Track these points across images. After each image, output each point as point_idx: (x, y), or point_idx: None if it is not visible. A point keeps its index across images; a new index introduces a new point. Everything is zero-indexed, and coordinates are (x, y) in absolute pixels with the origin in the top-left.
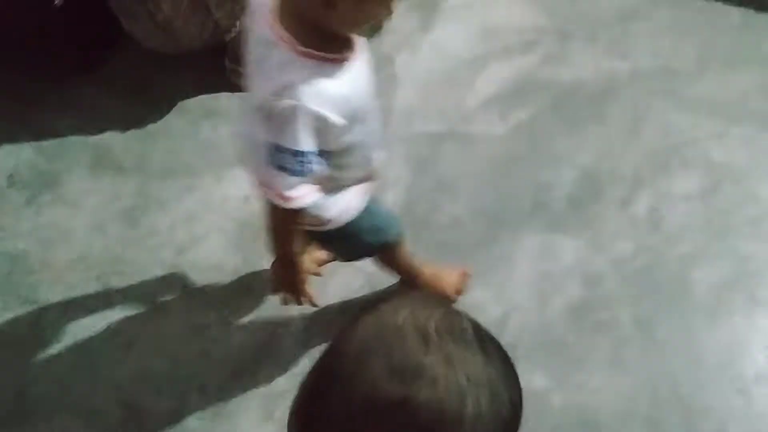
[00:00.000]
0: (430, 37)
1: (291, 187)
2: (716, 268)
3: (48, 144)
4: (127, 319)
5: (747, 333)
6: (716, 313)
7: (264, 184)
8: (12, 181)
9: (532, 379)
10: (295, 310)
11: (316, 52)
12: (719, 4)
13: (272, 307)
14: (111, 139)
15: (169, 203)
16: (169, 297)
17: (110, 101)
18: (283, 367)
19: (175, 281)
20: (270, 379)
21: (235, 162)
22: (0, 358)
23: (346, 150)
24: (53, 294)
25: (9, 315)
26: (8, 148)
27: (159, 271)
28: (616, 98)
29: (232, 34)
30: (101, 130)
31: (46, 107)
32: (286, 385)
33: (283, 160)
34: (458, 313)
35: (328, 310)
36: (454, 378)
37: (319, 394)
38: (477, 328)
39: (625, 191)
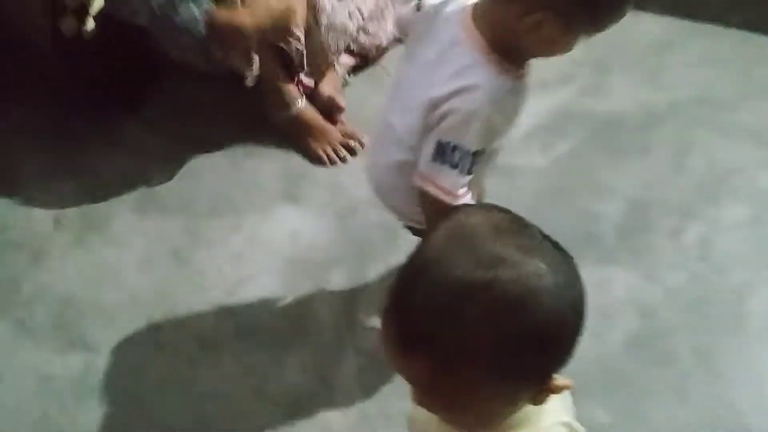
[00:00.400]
0: None
1: (461, 185)
2: None
3: (92, 185)
4: (180, 361)
5: None
6: None
7: (430, 180)
8: (58, 224)
9: (593, 416)
10: (348, 348)
11: (504, 61)
12: (755, 35)
13: (324, 344)
14: (155, 178)
15: (215, 243)
16: (221, 337)
17: (152, 140)
18: (337, 406)
19: (226, 321)
20: (325, 419)
21: (279, 200)
22: (54, 404)
23: (489, 156)
24: (104, 336)
25: (61, 359)
26: (53, 191)
27: (209, 311)
28: (657, 129)
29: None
30: (144, 170)
31: (89, 147)
32: (342, 424)
33: (457, 158)
34: (524, 218)
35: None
36: (531, 262)
37: (412, 286)
38: (541, 231)
39: (674, 221)
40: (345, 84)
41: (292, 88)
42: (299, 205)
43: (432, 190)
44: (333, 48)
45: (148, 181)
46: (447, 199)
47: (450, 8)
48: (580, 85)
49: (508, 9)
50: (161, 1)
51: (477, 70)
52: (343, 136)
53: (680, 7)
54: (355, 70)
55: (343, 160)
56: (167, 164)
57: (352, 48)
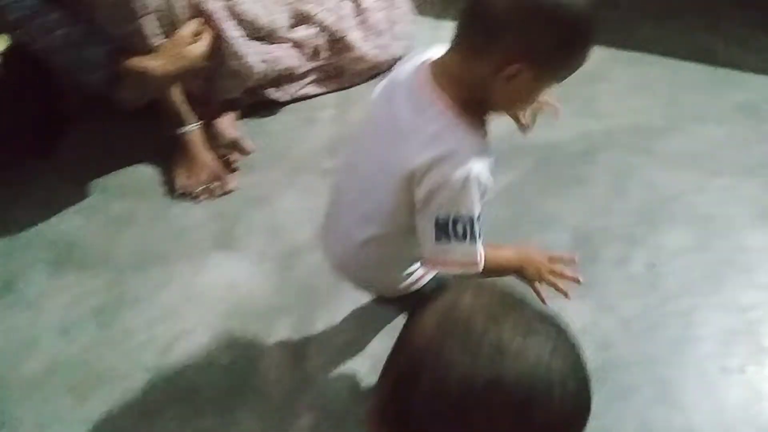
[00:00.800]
0: None
1: (477, 252)
2: (720, 319)
3: (2, 240)
4: None
5: (761, 381)
6: (728, 366)
7: (441, 262)
8: None
9: None
10: (301, 405)
11: (472, 120)
12: (678, 62)
13: (274, 403)
14: (72, 229)
15: (143, 299)
16: (160, 404)
17: (66, 188)
18: None
19: (163, 385)
20: None
21: (212, 247)
22: None
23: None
24: (23, 411)
25: None
26: None
27: (142, 376)
28: (595, 158)
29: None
30: (60, 220)
31: None
32: None
33: (461, 230)
34: (514, 293)
35: (337, 400)
36: (534, 347)
37: (410, 387)
38: (529, 300)
39: (620, 250)
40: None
41: (185, 109)
42: (234, 252)
43: (449, 269)
44: (230, 91)
45: (63, 233)
46: (468, 270)
47: (404, 75)
48: None
49: (480, 64)
50: (67, 40)
51: (452, 134)
52: (214, 175)
53: (607, 36)
54: (281, 105)
55: (196, 198)
56: (84, 214)
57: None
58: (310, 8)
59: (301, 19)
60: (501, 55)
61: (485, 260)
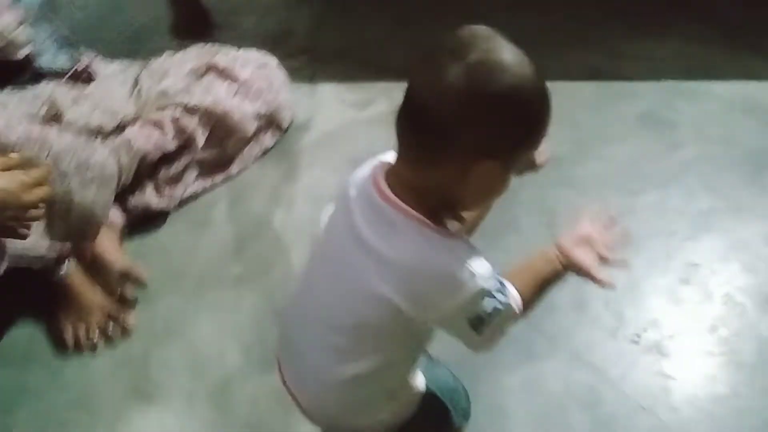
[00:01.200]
0: (299, 186)
1: (514, 303)
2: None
3: None
4: None
5: None
6: None
7: (493, 341)
8: None
9: None
10: None
11: (445, 224)
12: (569, 83)
13: None
14: None
15: None
16: None
17: None
18: None
19: None
20: None
21: (129, 400)
22: None
23: None
24: None
25: None
26: None
27: None
28: (519, 198)
29: None
30: None
31: None
32: None
33: (494, 303)
34: None
35: None
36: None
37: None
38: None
39: (573, 292)
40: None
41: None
42: (156, 400)
43: (502, 337)
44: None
45: None
46: (517, 319)
47: (357, 191)
48: None
49: (441, 172)
50: None
51: (435, 253)
52: (108, 316)
53: None
54: (163, 215)
55: (93, 348)
56: None
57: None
58: (181, 98)
59: (170, 106)
60: (462, 158)
61: (523, 297)
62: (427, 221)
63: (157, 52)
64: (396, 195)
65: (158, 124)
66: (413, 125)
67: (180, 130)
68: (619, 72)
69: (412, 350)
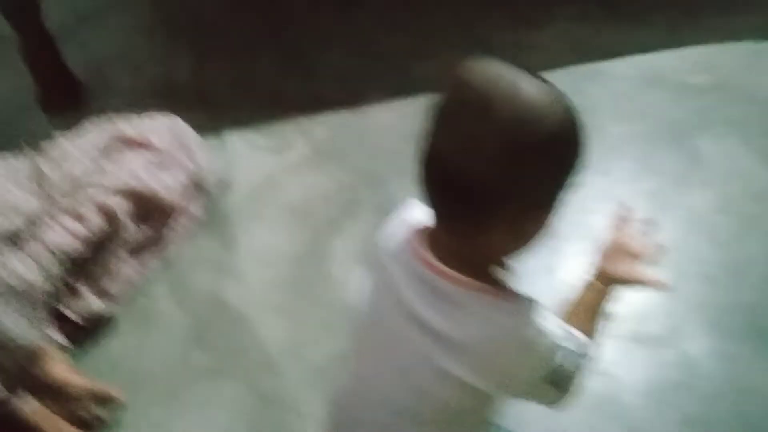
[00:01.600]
0: (242, 252)
1: (585, 346)
2: None
3: None
4: None
5: None
6: None
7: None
8: None
9: None
10: None
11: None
12: None
13: None
14: None
15: None
16: None
17: None
18: None
19: None
20: None
21: None
22: None
23: None
24: None
25: None
26: None
27: None
28: None
29: None
30: None
31: None
32: None
33: (568, 357)
34: None
35: None
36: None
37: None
38: None
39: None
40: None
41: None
42: None
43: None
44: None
45: None
46: (589, 362)
47: (395, 265)
48: (371, 208)
49: (488, 235)
50: None
51: (499, 316)
52: None
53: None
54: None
55: None
56: None
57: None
58: (96, 179)
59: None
60: (511, 218)
61: (586, 335)
62: (483, 286)
63: (40, 135)
64: (447, 264)
65: (76, 215)
66: (452, 196)
67: (105, 215)
68: (519, 64)
69: (481, 421)
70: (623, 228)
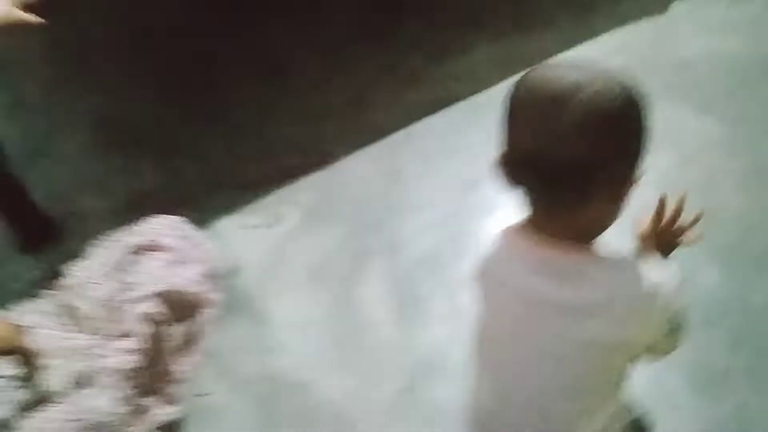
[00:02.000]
0: (276, 325)
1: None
2: None
3: None
4: None
5: None
6: None
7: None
8: None
9: None
10: None
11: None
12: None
13: None
14: None
15: None
16: None
17: None
18: None
19: None
20: None
21: None
22: None
23: None
24: None
25: None
26: None
27: None
28: None
29: None
30: None
31: None
32: None
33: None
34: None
35: None
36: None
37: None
38: None
39: None
40: None
41: None
42: None
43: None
44: None
45: None
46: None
47: (505, 268)
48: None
49: (595, 209)
50: None
51: (618, 276)
52: None
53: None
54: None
55: None
56: None
57: None
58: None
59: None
60: (610, 191)
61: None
62: (594, 253)
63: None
64: (560, 243)
65: (123, 334)
66: (552, 184)
67: (148, 323)
68: (461, 95)
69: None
70: (659, 220)
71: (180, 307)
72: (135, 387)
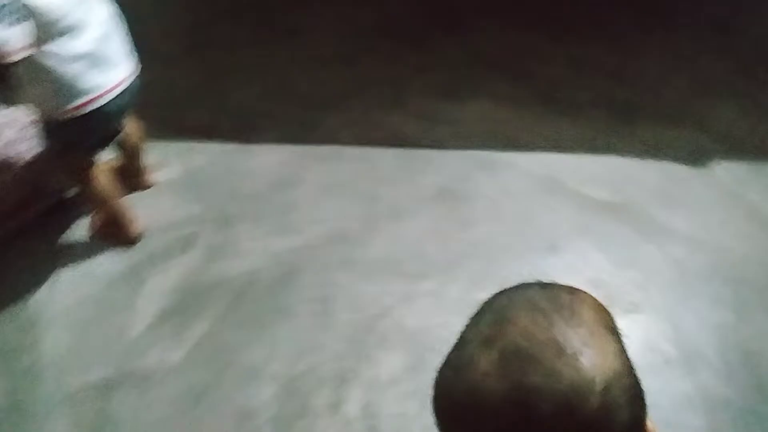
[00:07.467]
0: (70, 265)
1: None
2: None
3: None
4: None
5: None
6: None
7: None
8: None
9: None
10: None
11: None
12: (372, 149)
13: None
14: None
15: None
16: None
17: None
18: None
19: None
20: None
21: None
22: None
23: None
24: None
25: None
26: None
27: None
28: (296, 283)
29: None
30: None
31: None
32: None
33: None
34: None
35: None
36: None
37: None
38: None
39: (331, 394)
40: None
41: None
42: None
43: None
44: None
45: None
46: None
47: None
48: (205, 246)
49: None
50: None
51: None
52: None
53: (292, 134)
54: None
55: None
56: None
57: None
58: None
59: None
60: None
61: None
62: None
63: None
64: None
65: None
66: None
67: None
68: (424, 136)
69: None
70: None
71: None
72: None
